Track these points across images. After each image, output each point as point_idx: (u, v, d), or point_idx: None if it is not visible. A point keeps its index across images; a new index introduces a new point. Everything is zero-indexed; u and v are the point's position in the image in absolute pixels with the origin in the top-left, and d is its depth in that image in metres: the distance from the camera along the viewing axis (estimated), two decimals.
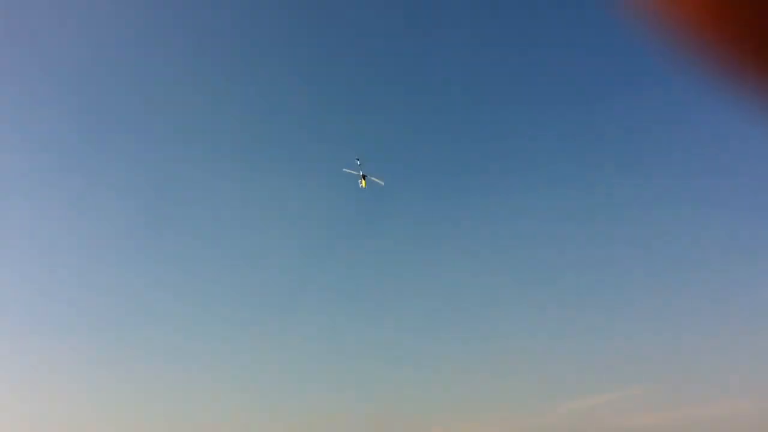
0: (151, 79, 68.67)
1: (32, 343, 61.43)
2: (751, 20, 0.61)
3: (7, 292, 63.02)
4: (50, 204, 67.04)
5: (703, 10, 0.62)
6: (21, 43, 62.18)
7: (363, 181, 46.15)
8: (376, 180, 46.83)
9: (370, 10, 68.43)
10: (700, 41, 0.63)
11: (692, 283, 63.30)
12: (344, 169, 46.44)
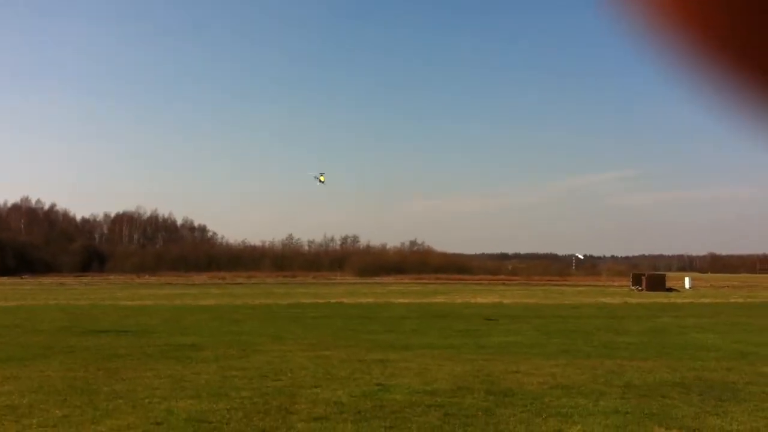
0: None
1: None
2: (734, 22, 0.62)
3: None
4: None
5: (684, 10, 0.63)
6: None
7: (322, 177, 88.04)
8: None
9: None
10: (682, 38, 0.64)
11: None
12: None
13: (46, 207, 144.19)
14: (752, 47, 0.61)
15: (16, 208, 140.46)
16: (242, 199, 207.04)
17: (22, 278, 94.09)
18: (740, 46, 0.62)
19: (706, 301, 44.77)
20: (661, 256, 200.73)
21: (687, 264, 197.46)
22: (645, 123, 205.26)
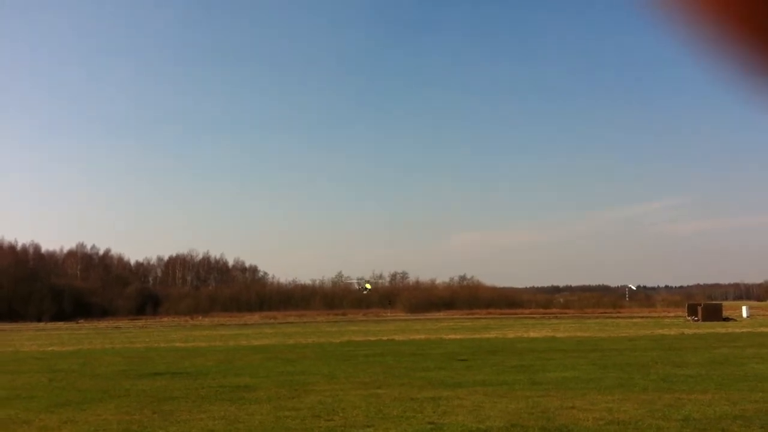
0: None
1: None
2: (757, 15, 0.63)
3: None
4: None
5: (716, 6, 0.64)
6: None
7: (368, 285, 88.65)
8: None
9: None
10: (714, 31, 0.65)
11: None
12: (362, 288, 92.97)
13: (101, 252, 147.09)
14: None
15: (71, 254, 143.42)
16: (290, 238, 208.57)
17: (77, 323, 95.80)
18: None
19: (765, 330, 43.59)
20: (716, 285, 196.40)
21: (743, 292, 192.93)
22: (695, 149, 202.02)
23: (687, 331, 44.00)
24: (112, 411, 14.05)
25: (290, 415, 12.92)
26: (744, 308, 68.32)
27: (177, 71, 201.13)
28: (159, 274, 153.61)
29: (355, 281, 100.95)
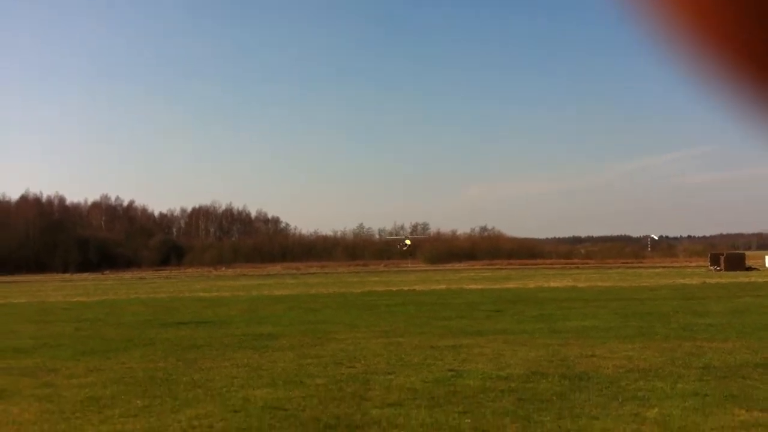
0: None
1: None
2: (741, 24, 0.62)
3: None
4: None
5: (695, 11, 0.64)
6: None
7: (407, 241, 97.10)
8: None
9: None
10: (692, 39, 0.64)
11: None
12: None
13: (125, 204, 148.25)
14: (754, 46, 0.62)
15: (96, 205, 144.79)
16: (312, 190, 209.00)
17: (103, 273, 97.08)
18: (744, 44, 0.62)
19: None
20: (739, 235, 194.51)
21: (766, 242, 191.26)
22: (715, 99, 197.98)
23: (709, 280, 43.87)
24: (137, 359, 14.29)
25: (312, 363, 13.08)
26: (767, 258, 67.88)
27: (186, 19, 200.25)
28: (182, 225, 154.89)
29: (402, 241, 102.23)
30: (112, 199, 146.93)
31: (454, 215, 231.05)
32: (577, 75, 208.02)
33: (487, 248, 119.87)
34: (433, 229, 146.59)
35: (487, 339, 16.13)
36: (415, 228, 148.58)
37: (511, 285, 43.53)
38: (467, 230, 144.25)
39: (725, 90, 0.66)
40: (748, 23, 0.61)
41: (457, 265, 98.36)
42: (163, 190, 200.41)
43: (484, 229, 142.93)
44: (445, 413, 8.74)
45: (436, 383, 10.69)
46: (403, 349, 14.71)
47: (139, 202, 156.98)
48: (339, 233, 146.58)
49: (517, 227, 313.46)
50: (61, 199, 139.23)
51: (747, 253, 74.40)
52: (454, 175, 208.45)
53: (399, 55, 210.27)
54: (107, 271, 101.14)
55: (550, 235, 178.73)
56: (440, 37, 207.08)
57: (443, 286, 43.34)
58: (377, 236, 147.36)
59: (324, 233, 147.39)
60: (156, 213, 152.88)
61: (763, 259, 67.29)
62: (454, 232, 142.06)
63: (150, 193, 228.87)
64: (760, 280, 43.71)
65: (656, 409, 8.67)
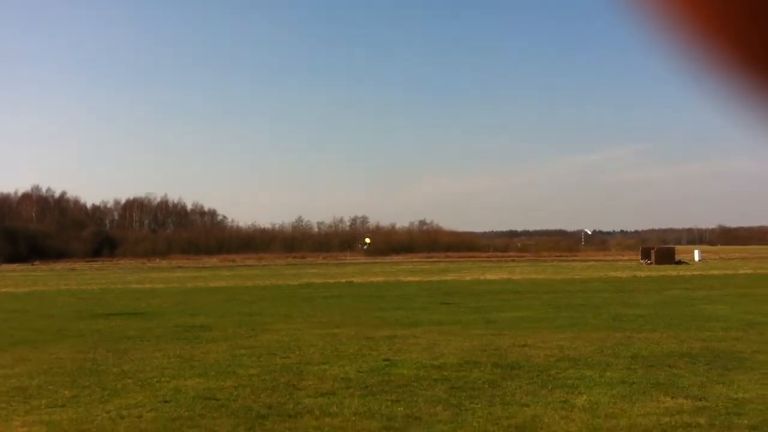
0: None
1: None
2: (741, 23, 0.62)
3: None
4: None
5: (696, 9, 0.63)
6: None
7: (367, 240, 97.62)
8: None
9: None
10: (692, 37, 0.64)
11: None
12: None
13: (57, 195, 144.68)
14: (752, 42, 0.61)
15: (26, 196, 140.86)
16: (250, 182, 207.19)
17: (33, 264, 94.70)
18: (740, 39, 0.62)
19: (716, 273, 44.66)
20: (670, 230, 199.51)
21: (696, 237, 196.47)
22: (650, 97, 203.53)
23: (640, 273, 44.93)
24: (67, 350, 13.97)
25: (246, 353, 12.97)
26: (696, 252, 69.80)
27: (128, 8, 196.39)
28: (116, 217, 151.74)
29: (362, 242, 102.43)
30: (43, 189, 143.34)
31: (393, 209, 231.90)
32: (513, 71, 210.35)
33: (425, 242, 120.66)
34: (372, 222, 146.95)
35: (422, 330, 16.22)
36: (354, 221, 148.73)
37: (448, 277, 43.86)
38: (406, 224, 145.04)
39: (723, 85, 0.66)
40: (745, 20, 0.61)
41: (395, 258, 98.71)
42: (97, 182, 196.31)
43: (423, 222, 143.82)
44: (378, 402, 8.76)
45: (370, 373, 10.71)
46: (339, 339, 14.69)
47: (72, 194, 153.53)
48: (277, 226, 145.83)
49: (456, 222, 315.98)
50: None
51: (677, 247, 76.39)
52: (395, 169, 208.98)
53: (342, 44, 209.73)
54: (37, 262, 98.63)
55: (488, 229, 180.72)
56: (384, 29, 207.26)
57: (381, 279, 43.44)
58: (316, 229, 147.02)
59: (262, 226, 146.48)
60: (89, 205, 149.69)
61: (693, 253, 69.20)
62: (393, 226, 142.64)
63: (83, 185, 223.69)
64: (688, 273, 44.93)
65: (585, 397, 8.83)
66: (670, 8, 0.63)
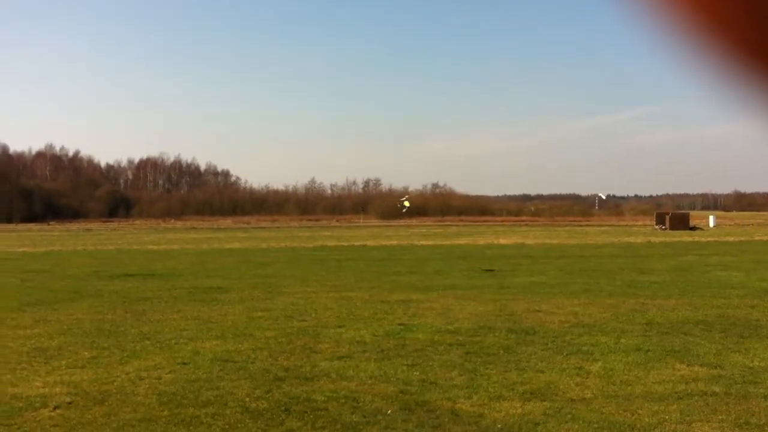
0: None
1: None
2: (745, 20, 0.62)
3: None
4: None
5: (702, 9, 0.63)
6: None
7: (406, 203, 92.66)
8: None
9: None
10: (699, 35, 0.64)
11: None
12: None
13: (71, 154, 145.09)
14: (753, 34, 0.61)
15: (40, 155, 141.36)
16: (264, 143, 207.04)
17: (49, 224, 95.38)
18: (743, 32, 0.62)
19: (731, 239, 44.50)
20: (685, 195, 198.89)
21: (711, 203, 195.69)
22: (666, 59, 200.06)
23: (654, 239, 44.81)
24: (85, 310, 14.14)
25: (263, 316, 13.09)
26: (711, 218, 69.51)
27: None
28: (130, 177, 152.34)
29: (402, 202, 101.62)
30: (57, 148, 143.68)
31: (406, 171, 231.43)
32: (532, 34, 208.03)
33: (438, 205, 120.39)
34: (385, 185, 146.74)
35: (436, 294, 16.30)
36: (367, 183, 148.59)
37: (461, 242, 43.91)
38: (419, 187, 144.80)
39: (726, 77, 0.66)
40: (748, 17, 0.61)
41: (408, 221, 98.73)
42: (110, 141, 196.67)
43: (435, 186, 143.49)
44: (394, 366, 8.84)
45: (385, 337, 10.79)
46: (354, 303, 14.79)
47: (85, 153, 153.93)
48: (290, 188, 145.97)
49: (468, 185, 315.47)
50: (5, 148, 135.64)
51: (692, 213, 76.05)
52: (408, 131, 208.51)
53: (352, 6, 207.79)
54: (53, 222, 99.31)
55: (501, 193, 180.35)
56: None
57: (394, 242, 43.54)
58: (329, 191, 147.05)
59: (275, 187, 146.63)
60: (102, 164, 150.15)
61: (708, 219, 68.88)
62: (406, 189, 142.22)
63: (96, 144, 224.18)
64: (703, 239, 44.76)
65: (600, 363, 8.88)
66: (670, 6, 0.63)
